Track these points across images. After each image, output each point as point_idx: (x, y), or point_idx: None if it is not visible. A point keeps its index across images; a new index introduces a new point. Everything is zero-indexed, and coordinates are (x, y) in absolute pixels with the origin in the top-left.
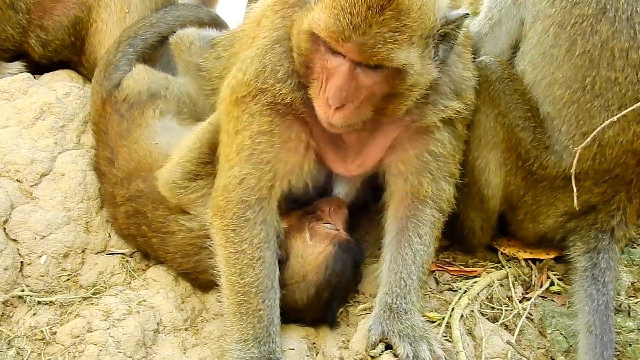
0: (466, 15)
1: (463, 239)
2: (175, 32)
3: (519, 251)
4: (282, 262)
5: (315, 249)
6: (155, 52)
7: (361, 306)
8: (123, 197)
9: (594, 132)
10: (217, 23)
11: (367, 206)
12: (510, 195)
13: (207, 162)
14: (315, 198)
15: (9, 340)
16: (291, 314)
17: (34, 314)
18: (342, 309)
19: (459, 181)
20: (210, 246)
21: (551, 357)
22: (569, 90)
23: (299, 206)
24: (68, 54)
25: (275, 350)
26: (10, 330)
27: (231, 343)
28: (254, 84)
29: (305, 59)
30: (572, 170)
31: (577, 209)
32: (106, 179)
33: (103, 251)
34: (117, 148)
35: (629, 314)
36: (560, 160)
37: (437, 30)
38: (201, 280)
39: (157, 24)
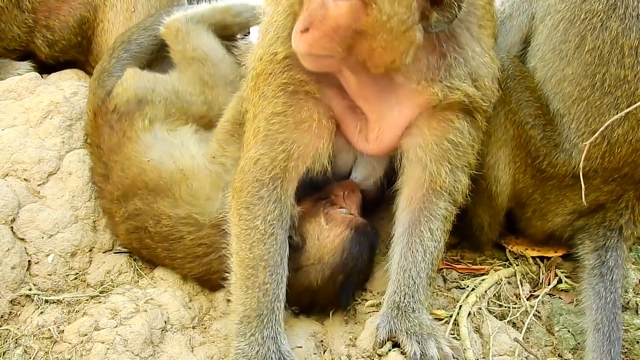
0: None
1: (471, 235)
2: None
3: (526, 249)
4: (299, 248)
5: (331, 232)
6: (158, 55)
7: (369, 302)
8: (122, 216)
9: (602, 127)
10: None
11: (383, 194)
12: (519, 192)
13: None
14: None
15: (17, 339)
16: (305, 297)
17: (42, 312)
18: (349, 307)
19: (475, 172)
20: (221, 242)
21: (559, 354)
22: (579, 87)
23: (315, 191)
24: (75, 54)
25: (278, 333)
26: (18, 329)
27: (234, 323)
28: (267, 58)
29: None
30: (580, 166)
31: (586, 205)
32: (103, 195)
33: (110, 250)
34: (110, 164)
35: (636, 311)
36: (569, 158)
37: None
38: (213, 281)
39: (152, 27)
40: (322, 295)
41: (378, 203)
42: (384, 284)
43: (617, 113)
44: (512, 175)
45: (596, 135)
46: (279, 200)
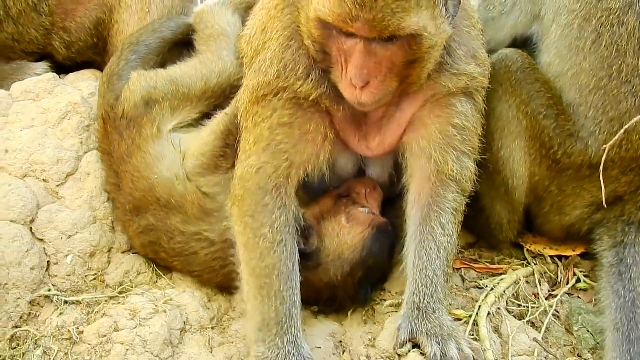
0: None
1: (489, 234)
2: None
3: (544, 248)
4: (313, 251)
5: (352, 230)
6: (168, 57)
7: (387, 302)
8: (135, 230)
9: (622, 130)
10: None
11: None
12: (535, 185)
13: (222, 155)
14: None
15: (36, 340)
16: (324, 293)
17: (61, 313)
18: (368, 307)
19: (480, 157)
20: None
21: (578, 354)
22: (595, 77)
23: (328, 189)
24: (91, 55)
25: (297, 337)
26: (37, 329)
27: (253, 330)
28: (275, 82)
29: (319, 46)
30: (600, 169)
31: (605, 206)
32: (116, 205)
33: (129, 250)
34: (121, 174)
35: None
36: (585, 147)
37: None
38: (234, 287)
39: (160, 29)
40: (341, 291)
41: (393, 197)
42: (401, 284)
43: (635, 100)
44: (527, 167)
45: (616, 137)
46: (283, 206)
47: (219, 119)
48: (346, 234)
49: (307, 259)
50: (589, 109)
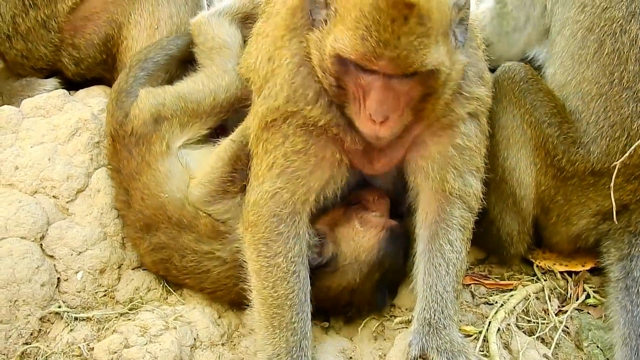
0: None
1: (500, 247)
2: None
3: (554, 264)
4: (330, 256)
5: (367, 233)
6: (176, 73)
7: (397, 319)
8: (146, 248)
9: (632, 148)
10: None
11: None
12: (542, 196)
13: (231, 180)
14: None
15: (47, 357)
16: (343, 298)
17: (71, 330)
18: (378, 323)
19: (486, 176)
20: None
21: None
22: (597, 84)
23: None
24: (100, 71)
25: None
26: (48, 346)
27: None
28: (284, 107)
29: (335, 81)
30: (612, 185)
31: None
32: (126, 222)
33: (139, 267)
34: (131, 191)
35: None
36: (587, 153)
37: (453, 19)
38: (247, 304)
39: (168, 46)
40: (359, 295)
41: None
42: (412, 301)
43: (636, 105)
44: (534, 177)
45: (626, 155)
46: (298, 236)
47: (225, 145)
48: (361, 237)
49: (325, 265)
50: (591, 115)
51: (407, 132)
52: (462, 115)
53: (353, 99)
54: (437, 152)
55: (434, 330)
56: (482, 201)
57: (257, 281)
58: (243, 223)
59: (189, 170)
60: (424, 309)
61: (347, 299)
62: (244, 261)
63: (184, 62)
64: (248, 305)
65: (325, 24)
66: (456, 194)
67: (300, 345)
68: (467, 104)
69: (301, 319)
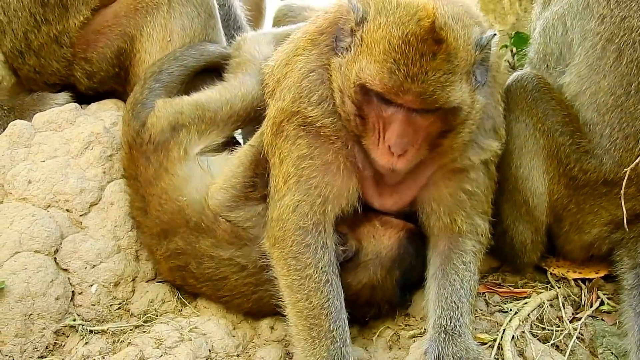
0: (494, 35)
1: (514, 256)
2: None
3: (568, 271)
4: (353, 254)
5: (387, 231)
6: (192, 84)
7: (411, 332)
8: (163, 254)
9: None
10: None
11: None
12: (555, 204)
13: (252, 185)
14: None
15: None
16: (363, 294)
17: (86, 343)
18: (393, 332)
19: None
20: (269, 279)
21: None
22: (613, 96)
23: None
24: (113, 85)
25: None
26: (63, 359)
27: None
28: (289, 107)
29: (356, 110)
30: (622, 192)
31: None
32: (142, 230)
33: (153, 279)
34: (148, 197)
35: None
36: (600, 164)
37: (475, 59)
38: (265, 312)
39: (182, 57)
40: (380, 291)
41: None
42: (425, 310)
43: None
44: (546, 186)
45: (636, 161)
46: (325, 246)
47: (245, 150)
48: (382, 235)
49: (348, 260)
50: (606, 127)
51: (421, 172)
52: (474, 162)
53: (372, 129)
54: (448, 194)
55: (449, 337)
56: (491, 240)
57: (291, 295)
58: (269, 239)
59: (210, 173)
60: (440, 316)
61: (367, 297)
62: (274, 277)
63: (201, 73)
64: (264, 315)
65: (349, 51)
66: (465, 233)
67: (342, 352)
68: (480, 153)
69: (339, 327)
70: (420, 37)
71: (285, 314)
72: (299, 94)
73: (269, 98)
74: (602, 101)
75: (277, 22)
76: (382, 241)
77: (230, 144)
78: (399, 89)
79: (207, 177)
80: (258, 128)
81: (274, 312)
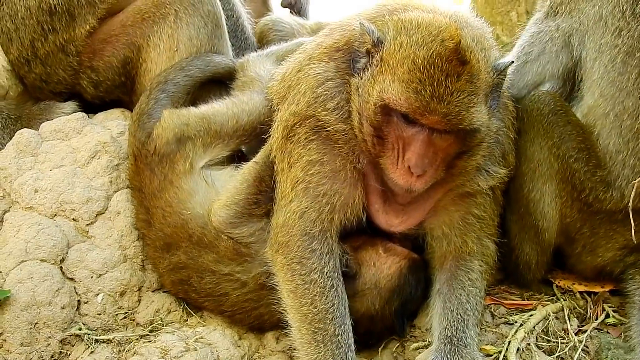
0: (512, 63)
1: (517, 273)
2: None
3: (573, 284)
4: (352, 275)
5: (389, 259)
6: (199, 94)
7: (415, 345)
8: (165, 267)
9: None
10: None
11: None
12: (567, 227)
13: (255, 202)
14: None
15: None
16: (362, 324)
17: (92, 352)
18: (398, 344)
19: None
20: (270, 296)
21: None
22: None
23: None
24: (119, 94)
25: None
26: None
27: None
28: (304, 111)
29: (375, 131)
30: (630, 204)
31: (635, 242)
32: (146, 242)
33: (159, 289)
34: (152, 209)
35: None
36: (621, 196)
37: (493, 82)
38: (266, 328)
39: (187, 67)
40: (379, 322)
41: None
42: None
43: None
44: (558, 210)
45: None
46: (331, 252)
47: (250, 167)
48: (383, 263)
49: (347, 280)
50: (630, 156)
51: (431, 195)
52: (482, 188)
53: (391, 149)
54: (459, 218)
55: (455, 348)
56: (497, 262)
57: (294, 300)
58: (272, 246)
59: (214, 188)
60: (446, 327)
61: (367, 326)
62: (275, 284)
63: (208, 84)
64: (268, 330)
65: (366, 72)
66: (474, 254)
67: (347, 357)
68: (488, 179)
69: (344, 331)
70: (446, 58)
71: (287, 319)
72: (314, 99)
73: (279, 104)
74: (627, 125)
75: (262, 37)
76: (382, 270)
77: (235, 157)
78: (425, 109)
79: (211, 192)
80: (262, 145)
81: (276, 327)
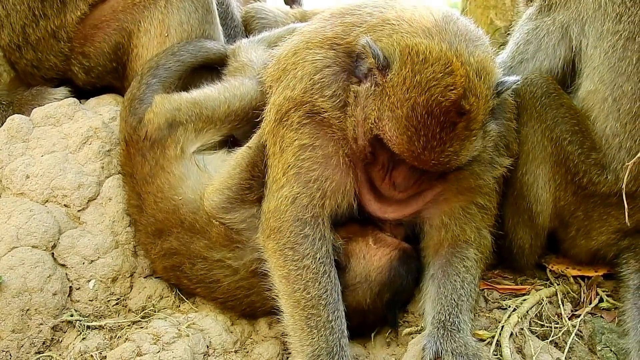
0: (517, 82)
1: (511, 258)
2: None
3: (567, 268)
4: (342, 267)
5: (379, 251)
6: (191, 80)
7: (408, 329)
8: (157, 253)
9: None
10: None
11: None
12: (561, 210)
13: (248, 188)
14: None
15: None
16: (354, 318)
17: (84, 338)
18: (391, 329)
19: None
20: (262, 284)
21: None
22: (638, 102)
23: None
24: (111, 80)
25: None
26: (60, 355)
27: None
28: (300, 97)
29: (368, 147)
30: (623, 186)
31: (629, 225)
32: (138, 228)
33: (151, 275)
34: (144, 195)
35: None
36: (616, 179)
37: (493, 104)
38: (259, 315)
39: (179, 52)
40: (371, 315)
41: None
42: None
43: None
44: (552, 193)
45: (636, 158)
46: (323, 238)
47: (243, 152)
48: (373, 255)
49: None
50: (627, 139)
51: (427, 190)
52: (487, 180)
53: (380, 165)
54: (460, 207)
55: (448, 333)
56: (493, 255)
57: (287, 286)
58: (264, 231)
59: (207, 172)
60: (439, 312)
61: (359, 320)
62: (266, 270)
63: (200, 69)
64: (260, 316)
65: (365, 81)
66: (471, 243)
67: (340, 343)
68: (494, 172)
69: (337, 317)
70: (445, 109)
71: (279, 305)
72: (311, 86)
73: (271, 86)
74: (626, 108)
75: (245, 25)
76: (372, 262)
77: (227, 142)
78: (416, 157)
79: (204, 176)
80: (255, 131)
81: (269, 314)
